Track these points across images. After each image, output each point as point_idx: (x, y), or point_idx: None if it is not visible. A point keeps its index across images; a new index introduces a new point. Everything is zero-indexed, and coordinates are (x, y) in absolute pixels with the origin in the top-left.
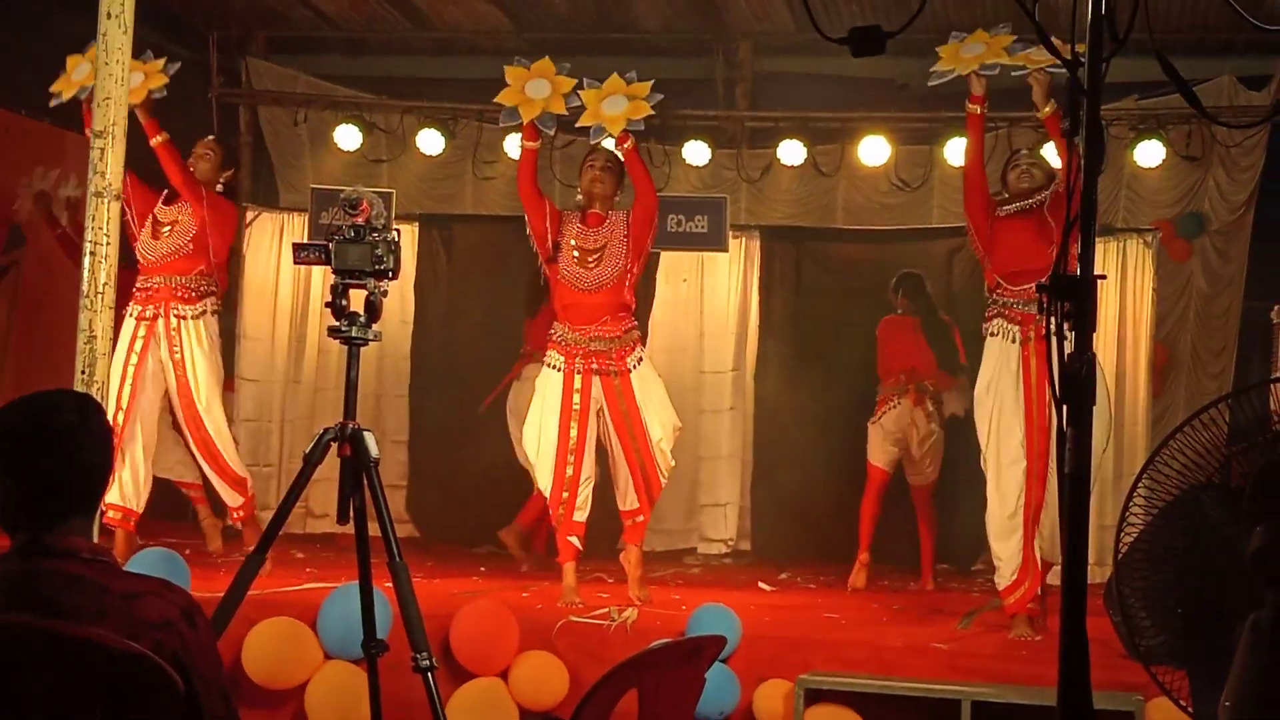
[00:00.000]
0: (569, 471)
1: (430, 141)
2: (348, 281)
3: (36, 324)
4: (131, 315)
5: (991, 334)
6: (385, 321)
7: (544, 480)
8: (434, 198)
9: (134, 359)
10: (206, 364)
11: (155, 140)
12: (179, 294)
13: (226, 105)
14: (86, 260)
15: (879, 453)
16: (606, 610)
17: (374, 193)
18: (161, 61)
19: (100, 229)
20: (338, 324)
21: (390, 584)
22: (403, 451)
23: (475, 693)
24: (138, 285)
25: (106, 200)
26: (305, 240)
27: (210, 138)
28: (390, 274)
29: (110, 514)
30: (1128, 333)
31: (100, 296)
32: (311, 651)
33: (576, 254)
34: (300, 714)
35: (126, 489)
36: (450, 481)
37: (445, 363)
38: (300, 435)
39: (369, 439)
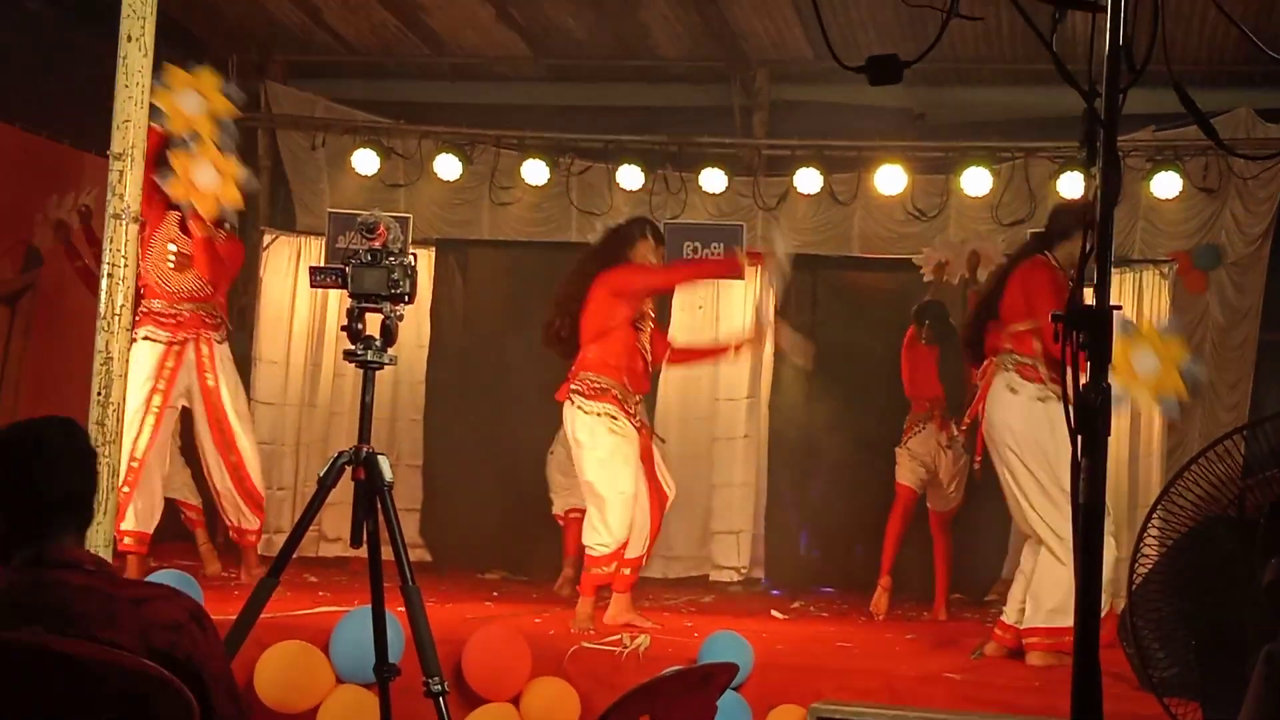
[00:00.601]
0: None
1: (447, 167)
2: (364, 305)
3: (52, 346)
4: (159, 341)
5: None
6: (401, 346)
7: (616, 521)
8: (450, 223)
9: (161, 384)
10: (234, 388)
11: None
12: (208, 321)
13: (245, 129)
14: (104, 282)
15: (907, 473)
16: (619, 637)
17: (391, 217)
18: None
19: (118, 251)
20: (353, 348)
21: (403, 608)
22: (417, 475)
23: (487, 718)
24: (160, 310)
25: (125, 222)
26: (322, 264)
27: None
28: (407, 298)
29: (126, 540)
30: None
31: (117, 318)
32: (323, 675)
33: (652, 326)
34: None
35: (142, 515)
36: (464, 506)
37: (460, 387)
38: (315, 459)
39: (383, 463)
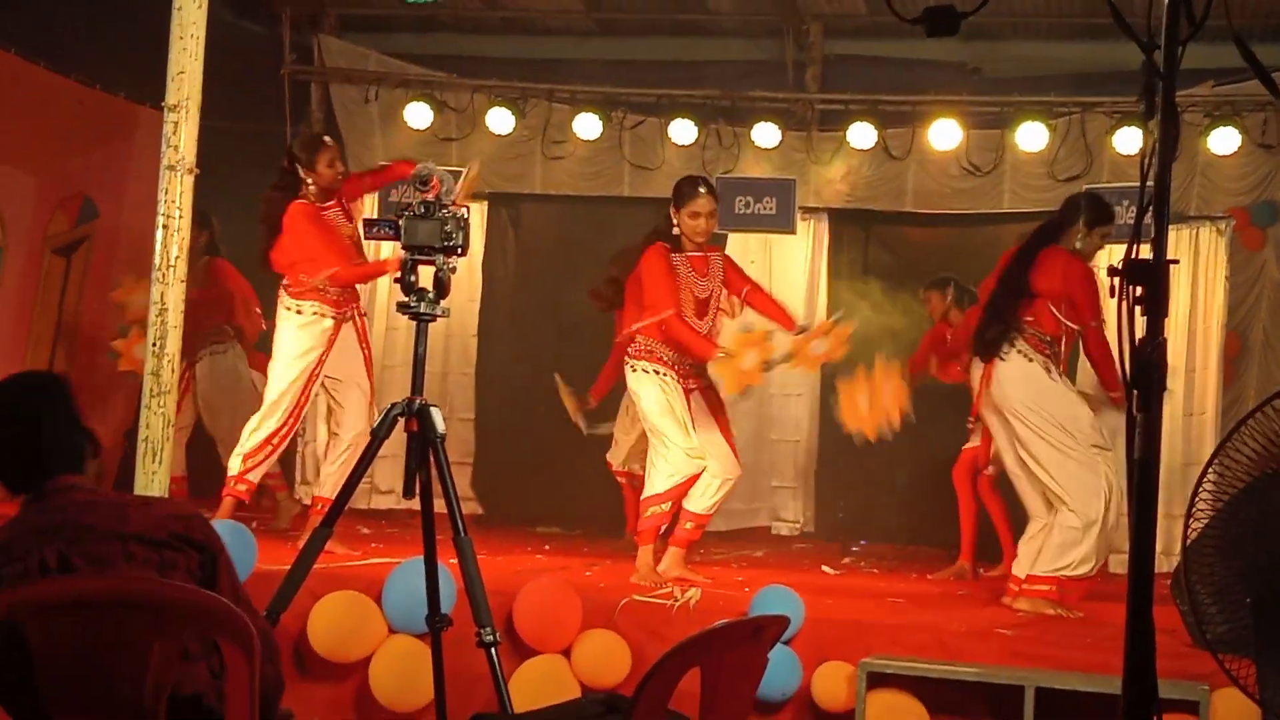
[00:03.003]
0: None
1: (500, 120)
2: (417, 257)
3: (108, 298)
4: (327, 316)
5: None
6: (453, 300)
7: (667, 468)
8: (503, 176)
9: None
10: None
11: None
12: (355, 295)
13: (298, 82)
14: (159, 234)
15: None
16: (670, 589)
17: (445, 170)
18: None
19: (173, 202)
20: (406, 300)
21: (455, 560)
22: (469, 429)
23: (537, 670)
24: (320, 287)
25: (179, 174)
26: (375, 216)
27: (326, 138)
28: (460, 250)
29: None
30: (1199, 321)
31: (172, 270)
32: (376, 625)
33: (693, 300)
34: (364, 687)
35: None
36: (516, 460)
37: (512, 341)
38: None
39: (436, 414)
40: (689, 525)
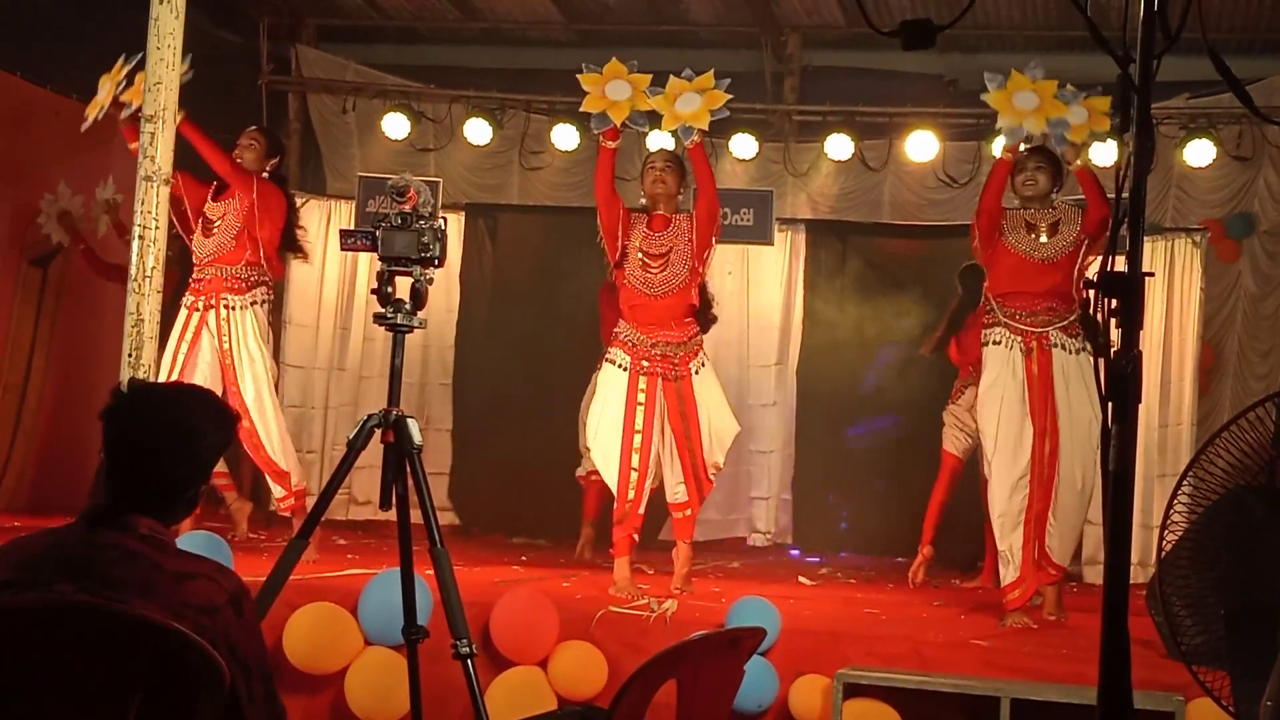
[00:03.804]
0: (634, 474)
1: (478, 131)
2: (394, 268)
3: (84, 307)
4: (185, 305)
5: (995, 341)
6: (430, 310)
7: (610, 477)
8: (480, 187)
9: (184, 348)
10: (254, 355)
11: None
12: (229, 284)
13: (276, 92)
14: (135, 244)
15: (952, 440)
16: (646, 601)
17: (421, 181)
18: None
19: (149, 213)
20: (383, 311)
21: (431, 571)
22: (446, 440)
23: (514, 681)
24: (193, 277)
25: (156, 184)
26: (352, 227)
27: (253, 127)
28: (436, 261)
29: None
30: (1174, 333)
31: (148, 280)
32: (352, 637)
33: (643, 258)
34: (340, 699)
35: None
36: (493, 471)
37: (489, 352)
38: (344, 422)
39: (413, 426)
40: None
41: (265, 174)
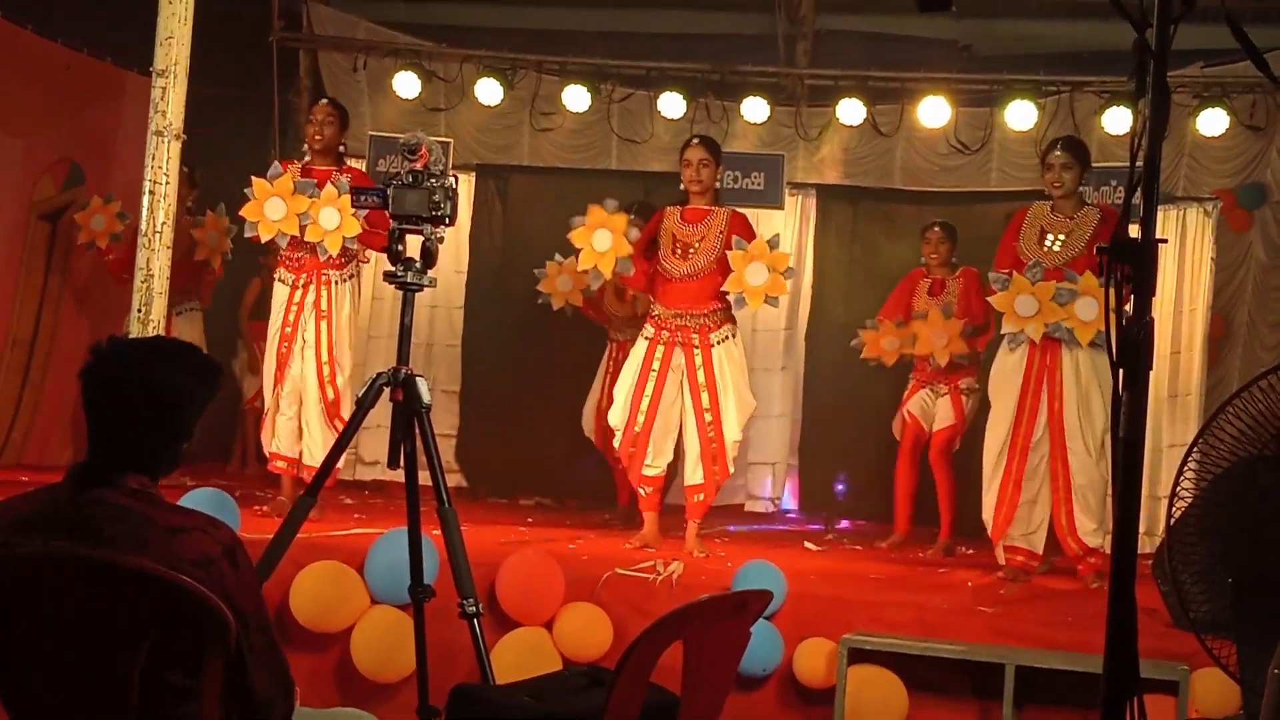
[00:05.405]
0: (638, 426)
1: (489, 91)
2: (404, 227)
3: (93, 262)
4: (284, 283)
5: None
6: (439, 271)
7: (618, 434)
8: (491, 148)
9: (290, 321)
10: (346, 325)
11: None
12: (332, 261)
13: (286, 50)
14: (145, 199)
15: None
16: (652, 564)
17: (433, 140)
18: None
19: (160, 168)
20: (393, 269)
21: (438, 531)
22: (454, 401)
23: (520, 642)
24: (284, 253)
25: (167, 139)
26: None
27: (325, 101)
28: (447, 220)
29: (276, 464)
30: (1184, 303)
31: (159, 236)
32: (358, 595)
33: (674, 245)
34: (346, 657)
35: (287, 440)
36: (500, 432)
37: (498, 313)
38: (353, 382)
39: (421, 384)
40: (643, 491)
41: (341, 147)
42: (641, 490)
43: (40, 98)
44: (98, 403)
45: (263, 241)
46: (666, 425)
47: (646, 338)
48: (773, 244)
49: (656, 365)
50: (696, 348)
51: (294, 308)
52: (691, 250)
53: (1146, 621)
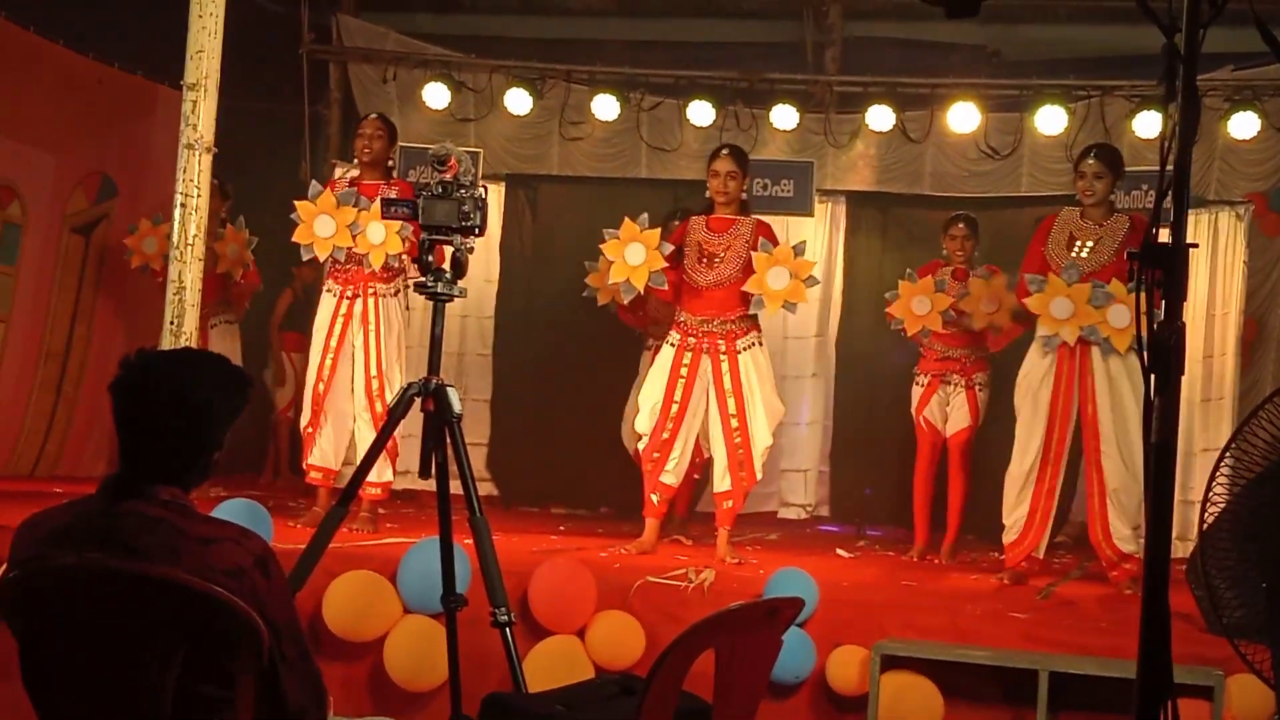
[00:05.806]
0: (665, 433)
1: (518, 101)
2: (435, 237)
3: (126, 276)
4: (332, 294)
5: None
6: (470, 281)
7: (644, 439)
8: (520, 157)
9: (336, 332)
10: (395, 340)
11: None
12: (378, 275)
13: (316, 62)
14: (177, 212)
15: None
16: (684, 571)
17: (463, 151)
18: None
19: (191, 181)
20: (424, 280)
21: (470, 540)
22: (484, 410)
23: (552, 650)
24: (335, 264)
25: (198, 152)
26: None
27: (374, 115)
28: (477, 230)
29: (312, 474)
30: (1217, 306)
31: (190, 248)
32: (391, 605)
33: (699, 254)
34: (379, 666)
35: (327, 452)
36: (531, 442)
37: (529, 322)
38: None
39: (452, 394)
40: (654, 498)
41: (390, 162)
42: (653, 497)
43: (72, 112)
44: (128, 415)
45: (321, 260)
46: (689, 433)
47: (673, 344)
48: (798, 250)
49: (685, 373)
50: (723, 354)
51: (340, 319)
52: (717, 259)
53: (1180, 627)
